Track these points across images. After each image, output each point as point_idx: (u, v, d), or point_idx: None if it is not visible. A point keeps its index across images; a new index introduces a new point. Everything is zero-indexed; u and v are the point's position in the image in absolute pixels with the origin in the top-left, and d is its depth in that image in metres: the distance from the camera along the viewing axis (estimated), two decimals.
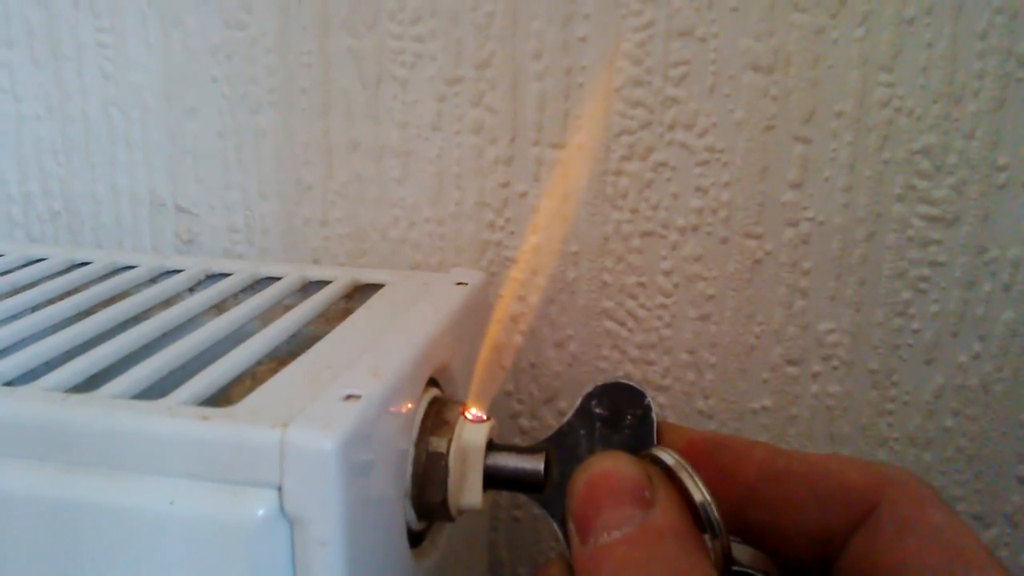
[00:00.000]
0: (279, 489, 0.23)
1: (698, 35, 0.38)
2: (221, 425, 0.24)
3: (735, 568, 0.24)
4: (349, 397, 0.25)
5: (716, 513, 0.23)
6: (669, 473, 0.24)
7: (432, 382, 0.31)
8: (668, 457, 0.24)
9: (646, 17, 0.38)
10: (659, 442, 0.26)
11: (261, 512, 0.23)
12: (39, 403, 0.25)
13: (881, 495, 0.23)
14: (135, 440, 0.24)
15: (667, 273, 0.41)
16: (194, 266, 0.39)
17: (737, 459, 0.25)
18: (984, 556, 0.21)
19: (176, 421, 0.24)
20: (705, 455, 0.25)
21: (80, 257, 0.40)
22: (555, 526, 0.27)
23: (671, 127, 0.39)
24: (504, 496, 0.45)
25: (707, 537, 0.23)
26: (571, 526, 0.24)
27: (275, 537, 0.23)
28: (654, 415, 0.26)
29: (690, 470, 0.24)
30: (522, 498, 0.45)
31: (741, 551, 0.25)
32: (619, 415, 0.27)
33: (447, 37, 0.40)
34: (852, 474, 0.23)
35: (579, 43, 0.39)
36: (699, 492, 0.23)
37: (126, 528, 0.23)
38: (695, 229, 0.40)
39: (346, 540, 0.24)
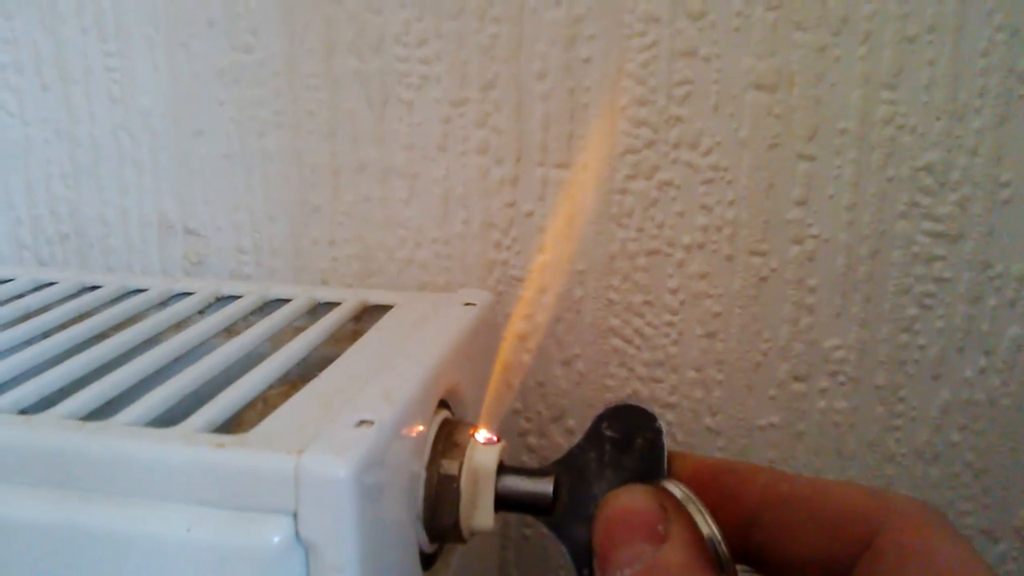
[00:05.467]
0: (294, 516, 0.23)
1: (701, 55, 0.38)
2: (236, 452, 0.24)
3: None
4: (362, 423, 0.25)
5: (724, 547, 0.23)
6: (678, 506, 0.24)
7: (442, 403, 0.31)
8: (677, 490, 0.24)
9: (649, 38, 0.38)
10: (668, 466, 0.26)
11: (277, 538, 0.23)
12: (55, 431, 0.25)
13: (883, 522, 0.22)
14: (151, 468, 0.24)
15: (673, 291, 0.41)
16: (204, 289, 0.40)
17: (741, 484, 0.25)
18: None
19: (191, 449, 0.24)
20: (711, 481, 0.25)
21: (90, 280, 0.41)
22: (564, 549, 0.27)
23: (675, 146, 0.39)
24: (514, 515, 0.45)
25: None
26: (596, 562, 0.24)
27: (291, 563, 0.23)
28: (664, 439, 0.26)
29: (698, 503, 0.24)
30: (532, 517, 0.45)
31: None
32: (629, 438, 0.27)
33: (452, 59, 0.40)
34: (855, 501, 0.23)
35: (583, 64, 0.39)
36: (707, 526, 0.23)
37: (143, 555, 0.24)
38: (701, 247, 0.40)
39: (361, 565, 0.24)
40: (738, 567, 0.25)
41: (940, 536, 0.21)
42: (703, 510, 0.24)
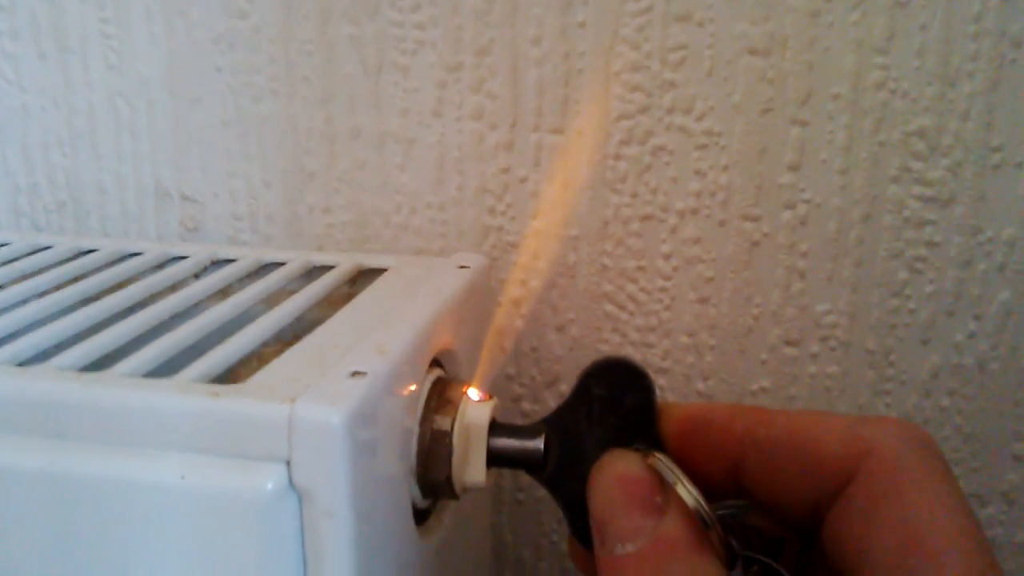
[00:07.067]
0: (288, 463, 0.24)
1: (696, 20, 0.38)
2: (231, 401, 0.24)
3: (745, 553, 0.24)
4: (355, 374, 0.26)
5: (707, 509, 0.23)
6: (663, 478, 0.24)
7: (436, 363, 0.32)
8: (658, 463, 0.24)
9: (644, 2, 0.39)
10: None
11: (270, 485, 0.23)
12: (52, 382, 0.26)
13: (858, 467, 0.22)
14: (147, 416, 0.25)
15: (666, 256, 0.41)
16: (200, 252, 0.40)
17: (721, 433, 0.25)
18: (948, 544, 0.20)
19: (187, 397, 0.25)
20: (692, 434, 0.26)
21: (87, 245, 0.41)
22: (559, 505, 0.27)
23: (669, 111, 0.40)
24: (507, 479, 0.45)
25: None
26: (592, 526, 0.24)
27: (284, 509, 0.24)
28: (655, 399, 0.26)
29: (678, 474, 0.24)
30: (525, 481, 0.45)
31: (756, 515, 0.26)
32: (619, 396, 0.27)
33: (447, 24, 0.40)
34: (831, 444, 0.23)
35: (578, 29, 0.39)
36: (690, 497, 0.23)
37: (138, 502, 0.24)
38: (694, 212, 0.40)
39: (353, 512, 0.24)
40: (738, 502, 0.26)
41: (911, 483, 0.21)
42: (683, 480, 0.24)
